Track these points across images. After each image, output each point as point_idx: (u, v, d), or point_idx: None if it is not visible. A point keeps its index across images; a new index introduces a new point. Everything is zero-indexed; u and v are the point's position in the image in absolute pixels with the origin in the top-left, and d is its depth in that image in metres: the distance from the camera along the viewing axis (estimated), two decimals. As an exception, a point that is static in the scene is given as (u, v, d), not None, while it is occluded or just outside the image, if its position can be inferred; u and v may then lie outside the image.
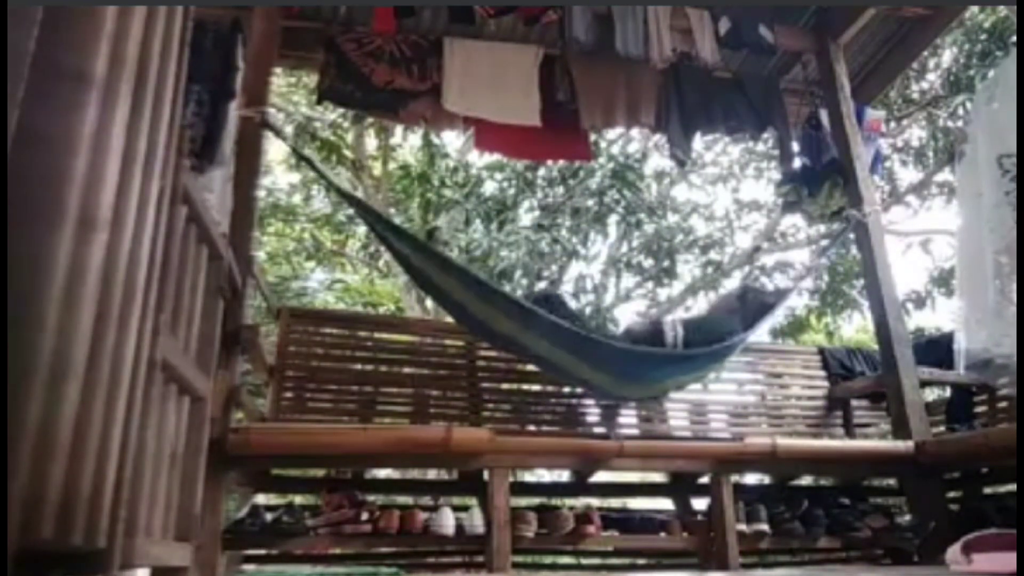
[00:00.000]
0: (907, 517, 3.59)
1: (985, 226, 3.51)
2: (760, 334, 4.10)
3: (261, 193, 4.51)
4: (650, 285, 8.91)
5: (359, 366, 3.98)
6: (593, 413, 4.25)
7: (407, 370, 4.08)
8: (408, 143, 8.70)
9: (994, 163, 3.53)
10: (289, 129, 7.55)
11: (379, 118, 6.41)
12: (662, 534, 3.49)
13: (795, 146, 4.57)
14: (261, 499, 3.81)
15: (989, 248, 3.49)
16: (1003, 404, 3.94)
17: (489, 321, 3.37)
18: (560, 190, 7.93)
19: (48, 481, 1.09)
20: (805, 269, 4.11)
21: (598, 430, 4.14)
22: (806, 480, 4.58)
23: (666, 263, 8.07)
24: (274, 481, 3.63)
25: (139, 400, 1.45)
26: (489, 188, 8.10)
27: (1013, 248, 3.31)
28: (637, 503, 5.29)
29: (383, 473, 4.71)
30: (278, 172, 9.11)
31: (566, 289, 7.84)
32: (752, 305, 3.79)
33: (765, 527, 3.44)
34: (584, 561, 4.04)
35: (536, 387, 4.35)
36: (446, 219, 7.76)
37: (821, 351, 4.74)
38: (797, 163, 4.50)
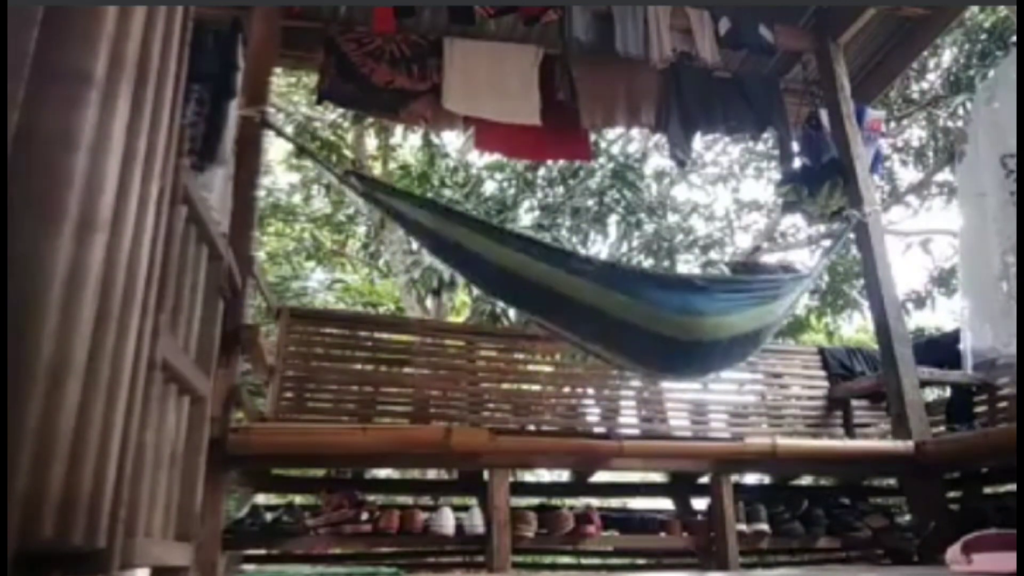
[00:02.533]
0: (907, 517, 3.60)
1: (991, 227, 3.51)
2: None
3: (261, 193, 4.50)
4: (650, 285, 8.89)
5: (359, 366, 3.98)
6: (593, 413, 4.25)
7: (407, 370, 4.08)
8: (408, 143, 8.71)
9: (997, 163, 3.53)
10: (289, 129, 7.55)
11: (379, 118, 6.43)
12: (662, 534, 3.49)
13: (795, 146, 4.57)
14: (261, 499, 3.82)
15: (996, 249, 3.48)
16: (1003, 404, 3.94)
17: (514, 268, 3.10)
18: (560, 190, 7.93)
19: (48, 481, 1.09)
20: (811, 270, 4.07)
21: (598, 430, 4.14)
22: (806, 480, 4.59)
23: (666, 263, 8.07)
24: (274, 481, 3.63)
25: (139, 400, 1.45)
26: (489, 188, 8.10)
27: (1020, 248, 3.31)
28: (637, 503, 5.29)
29: (383, 473, 4.71)
30: (278, 172, 9.12)
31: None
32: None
33: (765, 527, 3.44)
34: (584, 561, 4.05)
35: (536, 387, 4.35)
36: (446, 219, 7.74)
37: (821, 351, 4.74)
38: (797, 163, 4.50)
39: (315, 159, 4.48)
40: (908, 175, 8.90)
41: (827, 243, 4.66)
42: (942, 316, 8.69)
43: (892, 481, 4.16)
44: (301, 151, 5.31)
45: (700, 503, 3.80)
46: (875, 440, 4.30)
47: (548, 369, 4.45)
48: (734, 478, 3.52)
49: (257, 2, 3.55)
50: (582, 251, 8.02)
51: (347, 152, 8.36)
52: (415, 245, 7.16)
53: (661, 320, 3.20)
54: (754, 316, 3.38)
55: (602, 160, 7.80)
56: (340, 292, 9.24)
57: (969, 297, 3.78)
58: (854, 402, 4.46)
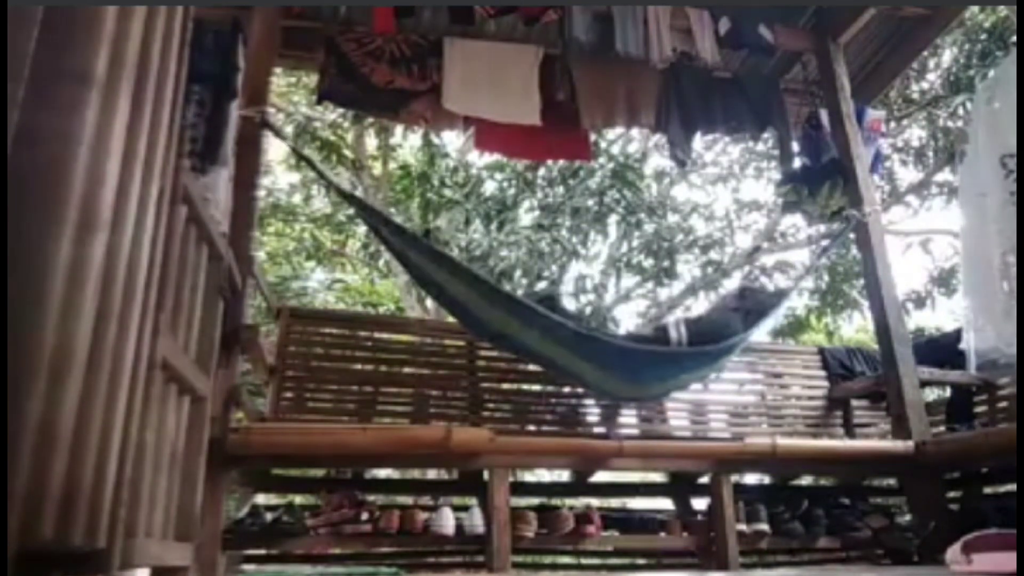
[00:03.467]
0: (907, 517, 3.60)
1: (993, 227, 3.51)
2: (760, 334, 4.09)
3: (261, 193, 4.50)
4: (650, 285, 8.91)
5: (359, 366, 3.98)
6: (593, 413, 4.25)
7: (407, 370, 4.08)
8: (408, 143, 8.71)
9: (997, 163, 3.53)
10: (289, 129, 7.55)
11: (379, 118, 6.44)
12: (662, 534, 3.49)
13: (795, 146, 4.57)
14: (261, 499, 3.81)
15: (997, 249, 3.48)
16: (1003, 404, 3.94)
17: (490, 320, 3.36)
18: (560, 190, 7.93)
19: (48, 481, 1.09)
20: (805, 269, 4.09)
21: (598, 430, 4.14)
22: (806, 480, 4.59)
23: (666, 263, 8.08)
24: (274, 481, 3.63)
25: (139, 400, 1.45)
26: (489, 188, 8.11)
27: (1022, 248, 3.31)
28: (637, 503, 5.29)
29: (383, 473, 4.71)
30: (278, 172, 9.12)
31: (566, 289, 7.85)
32: (752, 304, 3.79)
33: (765, 527, 3.44)
34: (584, 561, 4.04)
35: (536, 387, 4.35)
36: (446, 219, 7.76)
37: (821, 351, 4.73)
38: (797, 163, 4.50)
39: (315, 168, 4.50)
40: (908, 175, 8.91)
41: (827, 243, 4.65)
42: (942, 316, 8.70)
43: (892, 481, 4.16)
44: (299, 158, 5.31)
45: (700, 503, 3.80)
46: (875, 440, 4.30)
47: (548, 369, 4.44)
48: (734, 478, 3.52)
49: (257, 2, 3.55)
50: (581, 252, 8.05)
51: (347, 152, 8.36)
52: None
53: (634, 387, 3.64)
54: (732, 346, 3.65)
55: (602, 160, 7.80)
56: (340, 292, 9.24)
57: (971, 297, 3.78)
58: (854, 402, 4.45)
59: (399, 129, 7.87)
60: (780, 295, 4.05)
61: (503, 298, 3.40)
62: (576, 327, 3.32)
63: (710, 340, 3.52)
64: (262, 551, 3.23)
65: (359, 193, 8.04)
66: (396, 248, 3.47)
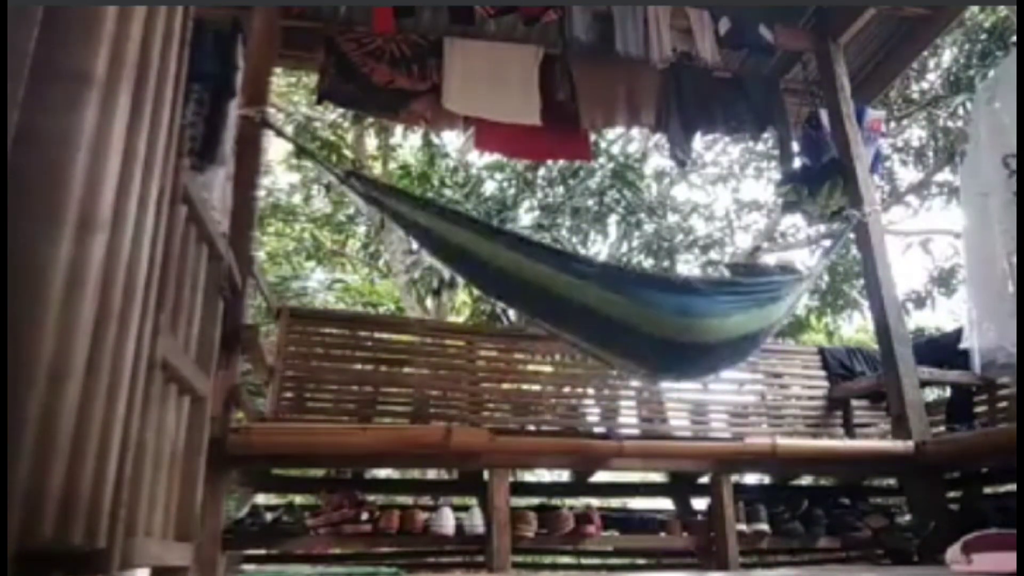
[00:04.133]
0: (907, 517, 3.59)
1: (997, 227, 3.51)
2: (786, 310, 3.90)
3: (261, 193, 4.50)
4: (650, 285, 8.89)
5: (359, 366, 3.98)
6: (593, 413, 4.25)
7: (407, 370, 4.08)
8: (408, 143, 8.71)
9: (999, 163, 3.53)
10: (289, 129, 7.55)
11: (379, 118, 6.43)
12: (662, 534, 3.49)
13: (795, 146, 4.57)
14: (261, 499, 3.82)
15: (1000, 249, 3.48)
16: (1003, 404, 3.94)
17: (520, 273, 3.11)
18: (560, 190, 7.93)
19: (48, 481, 1.09)
20: (811, 270, 4.08)
21: (598, 430, 4.14)
22: (806, 480, 4.59)
23: (666, 263, 8.07)
24: (274, 481, 3.63)
25: (139, 400, 1.45)
26: (489, 188, 8.10)
27: (1024, 248, 3.31)
28: (637, 503, 5.29)
29: (383, 473, 4.71)
30: (278, 172, 9.12)
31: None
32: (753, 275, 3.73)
33: (765, 527, 3.44)
34: (584, 561, 4.05)
35: (536, 387, 4.35)
36: (446, 219, 7.74)
37: (821, 351, 4.74)
38: (797, 163, 4.50)
39: (315, 159, 4.47)
40: (908, 175, 8.91)
41: (827, 243, 4.65)
42: (942, 316, 8.70)
43: (892, 481, 4.16)
44: (301, 151, 5.30)
45: (700, 503, 3.80)
46: (875, 440, 4.30)
47: (548, 369, 4.44)
48: (734, 478, 3.52)
49: (257, 2, 3.55)
50: (581, 251, 8.04)
51: (347, 152, 8.36)
52: (415, 245, 7.15)
53: (660, 322, 3.21)
54: (753, 318, 3.39)
55: (602, 160, 7.80)
56: (340, 292, 9.24)
57: (974, 297, 3.78)
58: (854, 402, 4.45)
59: (399, 129, 7.87)
60: (783, 272, 3.89)
61: (523, 243, 3.23)
62: (614, 264, 3.08)
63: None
64: (262, 551, 3.23)
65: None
66: (408, 219, 3.29)
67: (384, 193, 3.46)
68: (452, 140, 8.01)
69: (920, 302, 8.24)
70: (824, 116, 4.39)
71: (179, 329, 1.96)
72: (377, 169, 8.96)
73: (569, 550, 3.72)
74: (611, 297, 3.12)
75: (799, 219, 7.77)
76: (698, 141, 5.53)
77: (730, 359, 3.64)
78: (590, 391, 4.37)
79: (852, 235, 4.14)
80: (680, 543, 3.48)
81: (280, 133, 3.62)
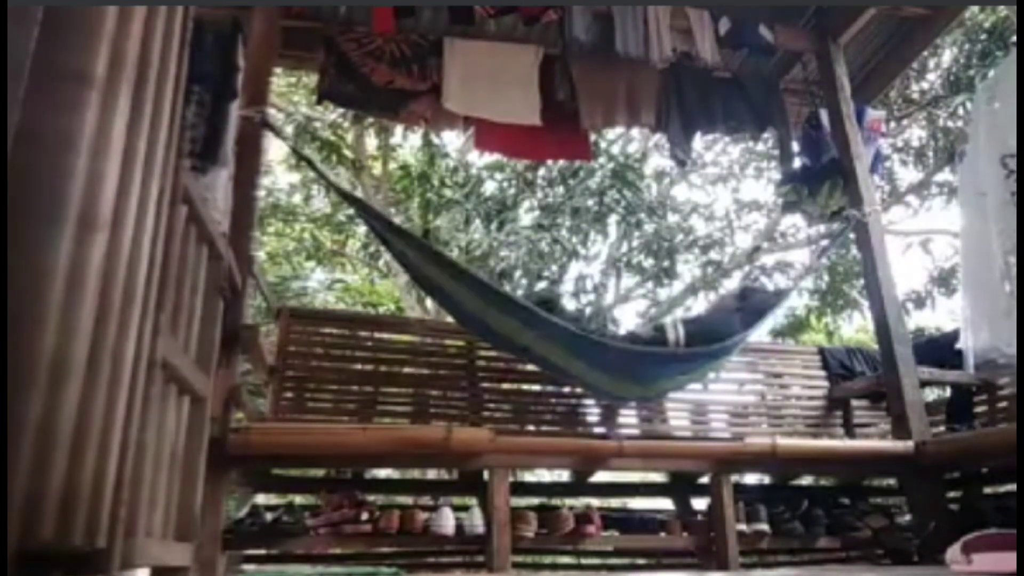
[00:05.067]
0: (907, 517, 3.59)
1: (993, 227, 3.51)
2: (760, 334, 4.09)
3: (261, 193, 4.50)
4: (650, 285, 8.92)
5: (359, 366, 3.98)
6: (593, 413, 4.25)
7: (407, 370, 4.08)
8: (408, 143, 8.71)
9: (997, 163, 3.53)
10: (289, 129, 7.55)
11: (379, 118, 6.43)
12: (662, 534, 3.49)
13: (795, 146, 4.57)
14: (261, 499, 3.81)
15: (998, 249, 3.48)
16: (1003, 404, 3.94)
17: (489, 320, 3.36)
18: (560, 190, 7.93)
19: (48, 481, 1.09)
20: (805, 269, 4.09)
21: (598, 430, 4.14)
22: (806, 480, 4.58)
23: (666, 263, 8.08)
24: (274, 481, 3.63)
25: (139, 400, 1.45)
26: (489, 188, 8.11)
27: (1022, 249, 3.31)
28: (637, 503, 5.29)
29: (383, 473, 4.71)
30: (278, 172, 9.12)
31: (566, 289, 7.85)
32: (752, 304, 3.79)
33: (765, 527, 3.44)
34: (584, 561, 4.04)
35: (536, 387, 4.35)
36: (446, 219, 7.77)
37: (821, 351, 4.74)
38: (797, 163, 4.50)
39: (314, 168, 4.50)
40: (908, 175, 8.91)
41: (826, 243, 4.65)
42: (942, 316, 8.69)
43: (892, 481, 4.16)
44: (299, 158, 5.30)
45: (700, 503, 3.80)
46: (875, 440, 4.30)
47: (548, 369, 4.44)
48: (734, 478, 3.52)
49: (257, 2, 3.55)
50: (581, 252, 8.04)
51: (347, 152, 8.36)
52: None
53: (633, 387, 3.64)
54: (717, 364, 3.78)
55: (602, 160, 7.80)
56: (340, 292, 9.24)
57: (971, 297, 3.77)
58: (854, 402, 4.45)
59: (399, 129, 7.87)
60: (780, 295, 4.06)
61: (502, 299, 3.41)
62: (574, 328, 3.33)
63: (709, 340, 3.52)
64: (262, 551, 3.23)
65: (359, 193, 8.04)
66: (395, 248, 3.49)
67: (372, 217, 3.66)
68: (452, 140, 8.02)
69: (920, 302, 8.24)
70: (824, 116, 4.39)
71: (179, 329, 1.96)
72: (377, 169, 8.96)
73: (569, 550, 3.72)
74: (577, 363, 3.41)
75: (799, 219, 7.78)
76: (698, 141, 5.53)
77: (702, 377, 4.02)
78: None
79: (852, 235, 4.14)
80: (680, 543, 3.48)
81: (279, 136, 3.63)
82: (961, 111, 7.39)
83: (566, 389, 4.18)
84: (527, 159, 6.93)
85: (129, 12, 1.35)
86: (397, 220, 6.94)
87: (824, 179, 4.20)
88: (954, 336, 4.00)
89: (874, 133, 4.56)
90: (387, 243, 3.58)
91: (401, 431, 3.58)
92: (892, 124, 8.02)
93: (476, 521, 3.14)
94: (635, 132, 8.01)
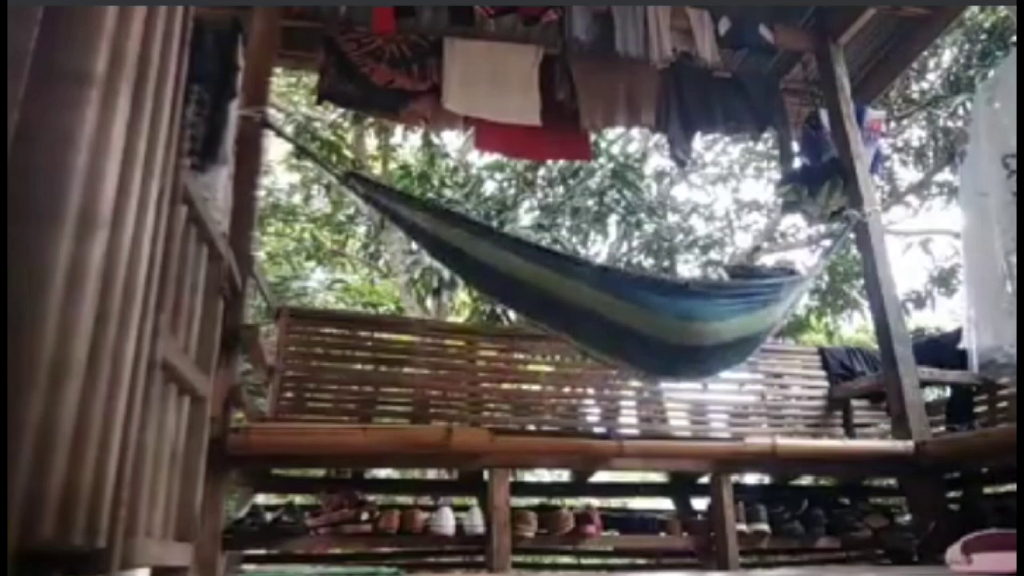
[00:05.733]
0: (907, 517, 3.60)
1: (995, 227, 3.51)
2: (786, 310, 3.90)
3: (261, 193, 4.50)
4: (650, 285, 8.89)
5: (359, 366, 3.98)
6: (593, 413, 4.25)
7: (407, 370, 4.08)
8: (408, 143, 8.71)
9: (998, 164, 3.53)
10: (289, 129, 7.55)
11: (379, 118, 6.43)
12: (662, 534, 3.49)
13: (795, 146, 4.57)
14: (261, 499, 3.82)
15: (999, 249, 3.48)
16: (1003, 404, 3.94)
17: (518, 275, 3.13)
18: (560, 190, 7.93)
19: (48, 481, 1.09)
20: (809, 270, 4.07)
21: (598, 430, 4.14)
22: (806, 480, 4.59)
23: (666, 263, 8.07)
24: (274, 481, 3.63)
25: (139, 400, 1.45)
26: (489, 188, 8.11)
27: (1023, 248, 3.31)
28: (637, 503, 5.29)
29: (383, 473, 4.71)
30: (278, 172, 9.12)
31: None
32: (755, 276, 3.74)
33: (765, 527, 3.45)
34: (584, 561, 4.05)
35: (536, 387, 4.35)
36: (446, 219, 7.74)
37: (821, 351, 4.74)
38: (797, 163, 4.50)
39: (315, 159, 4.48)
40: (908, 175, 8.91)
41: (827, 243, 4.64)
42: (942, 316, 8.69)
43: (892, 481, 4.16)
44: (301, 152, 5.30)
45: (700, 503, 3.80)
46: (875, 440, 4.30)
47: (548, 369, 4.44)
48: (734, 478, 3.52)
49: (257, 2, 3.55)
50: (581, 252, 8.04)
51: (347, 152, 8.36)
52: (415, 245, 7.16)
53: (658, 325, 3.23)
54: (752, 320, 3.41)
55: (602, 160, 7.80)
56: (340, 292, 9.24)
57: (973, 297, 3.78)
58: (854, 402, 4.45)
59: (399, 129, 7.87)
60: (782, 273, 3.89)
61: (522, 245, 3.24)
62: (613, 267, 3.10)
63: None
64: (262, 551, 3.23)
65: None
66: (407, 222, 3.30)
67: (383, 194, 3.46)
68: (452, 140, 8.02)
69: (920, 302, 8.24)
70: (824, 116, 4.39)
71: (179, 329, 1.96)
72: (377, 169, 8.96)
73: (569, 550, 3.72)
74: (609, 300, 3.14)
75: (799, 219, 7.77)
76: (698, 141, 5.54)
77: (730, 360, 3.65)
78: (590, 391, 4.37)
79: (852, 235, 4.14)
80: (680, 543, 3.48)
81: (280, 133, 3.63)
82: (961, 111, 7.40)
83: (566, 389, 4.18)
84: (527, 159, 6.93)
85: (129, 12, 1.35)
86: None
87: (824, 179, 4.20)
88: (954, 336, 4.00)
89: (874, 133, 4.56)
90: (397, 217, 3.36)
91: (401, 431, 3.58)
92: (892, 124, 8.02)
93: (476, 521, 3.14)
94: (635, 132, 8.02)
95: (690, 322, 3.23)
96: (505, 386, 4.35)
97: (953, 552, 2.32)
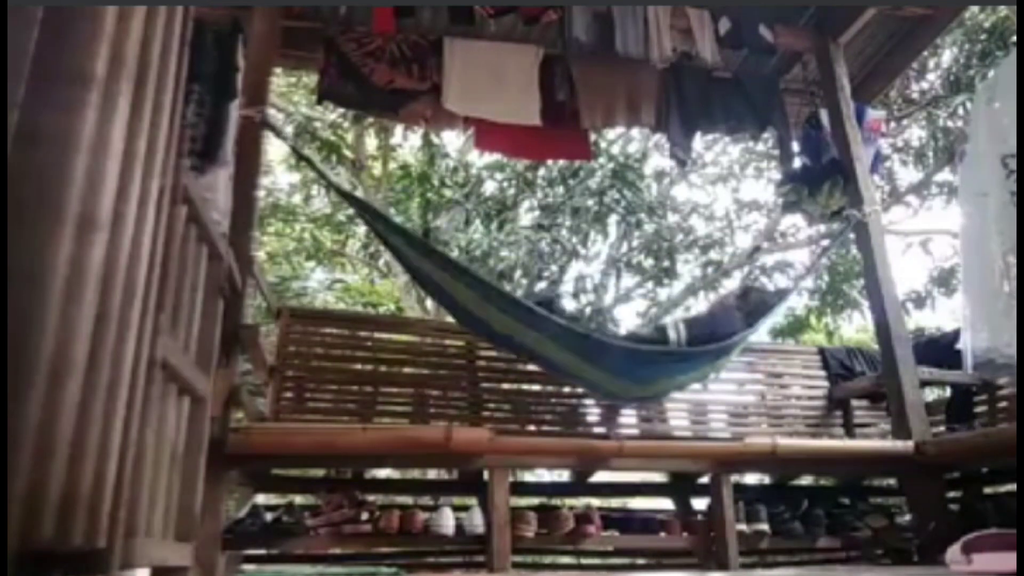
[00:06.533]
0: (907, 517, 3.59)
1: (993, 227, 3.51)
2: (760, 334, 4.08)
3: (261, 193, 4.51)
4: (650, 285, 8.91)
5: (359, 366, 3.98)
6: (593, 413, 4.25)
7: (407, 370, 4.08)
8: (408, 143, 8.71)
9: (998, 163, 3.53)
10: (289, 129, 7.55)
11: (379, 118, 6.43)
12: (662, 534, 3.49)
13: (795, 146, 4.56)
14: (261, 499, 3.81)
15: (998, 249, 3.48)
16: (1003, 404, 3.94)
17: (489, 320, 3.36)
18: (560, 190, 7.93)
19: (48, 481, 1.09)
20: (806, 269, 4.08)
21: (598, 430, 4.14)
22: (806, 480, 4.59)
23: (666, 263, 8.08)
24: (274, 481, 3.63)
25: (139, 400, 1.45)
26: (489, 188, 8.11)
27: (1022, 248, 3.31)
28: (637, 503, 5.29)
29: (383, 473, 4.71)
30: (278, 172, 9.12)
31: (566, 289, 7.84)
32: (753, 304, 3.79)
33: (765, 527, 3.45)
34: (584, 561, 4.04)
35: (536, 387, 4.35)
36: (446, 219, 7.76)
37: (821, 351, 4.73)
38: (797, 163, 4.50)
39: (312, 166, 4.50)
40: (908, 175, 8.90)
41: (826, 243, 4.65)
42: (942, 316, 8.68)
43: (892, 481, 4.16)
44: (299, 158, 5.30)
45: (700, 503, 3.80)
46: (875, 440, 4.30)
47: (548, 369, 4.44)
48: (734, 478, 3.52)
49: (257, 2, 3.55)
50: (581, 252, 8.04)
51: (347, 152, 8.36)
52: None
53: (633, 387, 3.59)
54: (709, 369, 3.74)
55: (602, 160, 7.80)
56: (340, 292, 9.24)
57: (970, 297, 3.77)
58: (854, 402, 4.45)
59: (399, 129, 7.87)
60: (781, 294, 4.05)
61: (502, 299, 3.40)
62: (574, 327, 3.33)
63: (710, 340, 3.52)
64: (262, 551, 3.23)
65: (359, 193, 8.04)
66: (395, 248, 3.49)
67: (372, 216, 3.63)
68: (452, 140, 8.02)
69: (920, 302, 8.24)
70: (824, 116, 4.39)
71: (179, 329, 1.96)
72: (377, 169, 8.96)
73: (569, 550, 3.72)
74: (572, 359, 3.39)
75: (799, 219, 7.77)
76: (698, 141, 5.53)
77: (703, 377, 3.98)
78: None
79: (852, 235, 4.14)
80: (680, 543, 3.48)
81: (280, 135, 3.63)
82: (961, 111, 7.39)
83: (566, 389, 4.18)
84: (527, 159, 6.92)
85: (129, 12, 1.35)
86: (397, 220, 6.93)
87: (824, 179, 4.20)
88: (954, 336, 3.99)
89: (874, 133, 4.56)
90: (386, 242, 3.58)
91: (401, 431, 3.58)
92: (892, 124, 8.02)
93: (476, 521, 3.14)
94: (635, 132, 8.02)
95: (649, 384, 3.59)
96: (505, 386, 4.34)
97: (953, 552, 2.32)
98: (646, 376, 3.54)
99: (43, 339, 1.09)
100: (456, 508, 3.33)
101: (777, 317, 4.11)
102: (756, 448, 3.44)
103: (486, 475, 3.15)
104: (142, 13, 1.41)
